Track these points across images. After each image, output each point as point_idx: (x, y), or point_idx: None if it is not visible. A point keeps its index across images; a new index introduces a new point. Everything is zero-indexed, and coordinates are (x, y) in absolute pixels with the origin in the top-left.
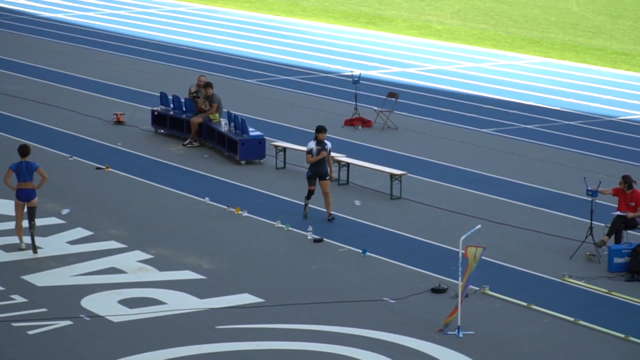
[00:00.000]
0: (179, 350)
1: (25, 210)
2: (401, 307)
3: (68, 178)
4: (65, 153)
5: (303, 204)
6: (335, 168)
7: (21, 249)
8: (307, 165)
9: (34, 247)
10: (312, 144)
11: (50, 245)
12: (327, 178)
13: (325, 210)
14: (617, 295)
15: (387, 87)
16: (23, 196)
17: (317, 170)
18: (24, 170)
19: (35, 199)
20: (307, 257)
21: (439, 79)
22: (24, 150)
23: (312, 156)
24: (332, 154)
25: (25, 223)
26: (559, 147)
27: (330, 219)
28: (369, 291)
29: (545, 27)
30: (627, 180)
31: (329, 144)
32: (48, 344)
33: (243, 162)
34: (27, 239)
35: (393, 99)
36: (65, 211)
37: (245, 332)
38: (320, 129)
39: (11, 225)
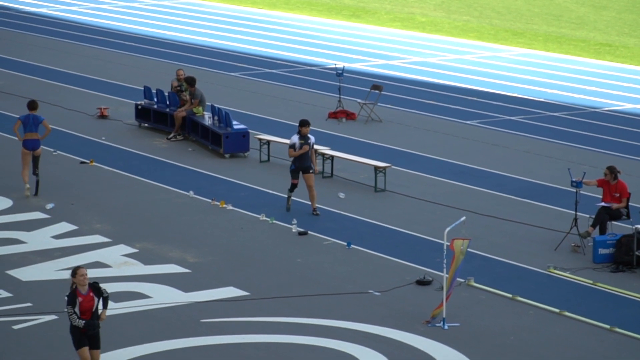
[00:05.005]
0: (164, 344)
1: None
2: (386, 300)
3: (52, 172)
4: (49, 147)
5: (286, 196)
6: (319, 161)
7: (26, 194)
8: (291, 159)
9: (37, 189)
10: (295, 138)
11: (34, 240)
12: (311, 171)
13: (309, 203)
14: (602, 286)
15: (371, 79)
16: (29, 145)
17: (301, 164)
18: (30, 122)
19: (40, 149)
20: (291, 250)
21: (423, 71)
22: (32, 105)
23: (294, 150)
24: (316, 146)
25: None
26: (544, 138)
27: (315, 214)
28: (354, 284)
29: (529, 19)
30: (612, 171)
31: (312, 138)
32: (33, 338)
33: (227, 155)
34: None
35: (377, 91)
36: (49, 206)
37: (231, 326)
38: (304, 123)
39: None
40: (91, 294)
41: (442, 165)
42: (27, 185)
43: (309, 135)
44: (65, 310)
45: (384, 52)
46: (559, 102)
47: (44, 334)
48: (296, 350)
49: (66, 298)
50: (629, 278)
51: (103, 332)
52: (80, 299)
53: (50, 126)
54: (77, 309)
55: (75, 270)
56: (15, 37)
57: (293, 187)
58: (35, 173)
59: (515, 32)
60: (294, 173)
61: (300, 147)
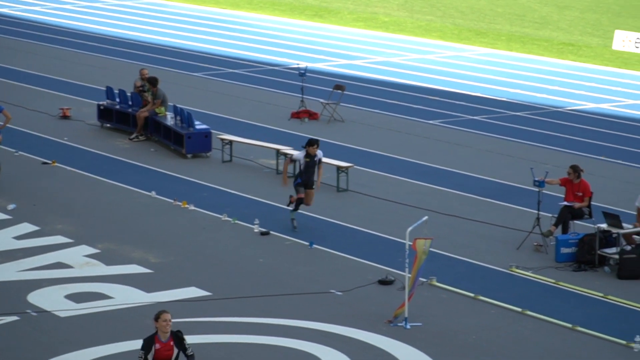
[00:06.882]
0: (126, 345)
1: None
2: (348, 299)
3: (14, 173)
4: (11, 148)
5: (290, 217)
6: (281, 161)
7: None
8: (252, 157)
9: None
10: (300, 155)
11: None
12: (313, 187)
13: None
14: (564, 285)
15: (334, 79)
16: None
17: (307, 178)
18: None
19: (0, 137)
20: (253, 250)
21: (386, 71)
22: None
23: (300, 168)
24: (279, 146)
25: None
26: (506, 138)
27: (289, 206)
28: (316, 283)
29: (492, 19)
30: (576, 170)
31: (320, 154)
32: None
33: (189, 155)
34: None
35: (339, 91)
36: (11, 206)
37: (193, 326)
38: (312, 143)
39: None
40: (171, 343)
41: (405, 165)
42: None
43: (317, 151)
44: (139, 354)
45: (346, 52)
46: (521, 102)
47: (6, 335)
48: (258, 351)
49: (142, 342)
50: (591, 277)
51: (64, 333)
52: (157, 345)
53: (13, 126)
54: (150, 356)
55: (158, 315)
56: None
57: (299, 202)
58: None
59: (478, 31)
60: (299, 187)
61: (306, 165)
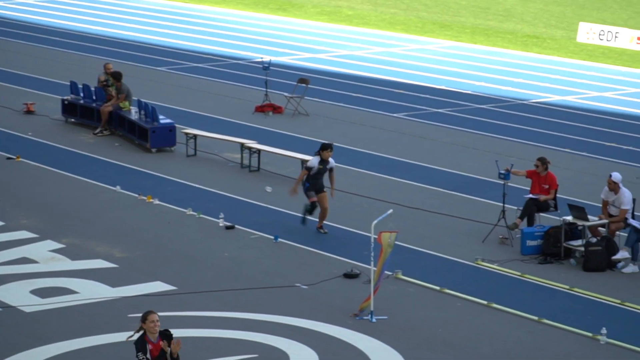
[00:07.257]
0: (92, 339)
1: None
2: (313, 293)
3: None
4: None
5: (301, 215)
6: (245, 155)
7: None
8: (216, 152)
9: None
10: (314, 161)
11: None
12: (324, 190)
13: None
14: (530, 278)
15: (298, 73)
16: None
17: (315, 183)
18: None
19: None
20: (219, 244)
21: (350, 65)
22: None
23: (310, 173)
24: (245, 141)
25: None
26: (471, 130)
27: (323, 232)
28: (281, 277)
29: (456, 11)
30: (544, 162)
31: (332, 162)
32: None
33: (154, 150)
34: None
35: (303, 85)
36: None
37: None
38: (326, 147)
39: None
40: (161, 343)
41: (369, 158)
42: None
43: (330, 159)
44: (137, 357)
45: (310, 45)
46: (486, 94)
47: None
48: (224, 345)
49: (134, 345)
50: (556, 269)
51: (29, 328)
52: (150, 346)
53: None
54: (148, 355)
55: (145, 316)
56: None
57: (313, 206)
58: None
59: (442, 24)
60: (310, 192)
61: (318, 171)
